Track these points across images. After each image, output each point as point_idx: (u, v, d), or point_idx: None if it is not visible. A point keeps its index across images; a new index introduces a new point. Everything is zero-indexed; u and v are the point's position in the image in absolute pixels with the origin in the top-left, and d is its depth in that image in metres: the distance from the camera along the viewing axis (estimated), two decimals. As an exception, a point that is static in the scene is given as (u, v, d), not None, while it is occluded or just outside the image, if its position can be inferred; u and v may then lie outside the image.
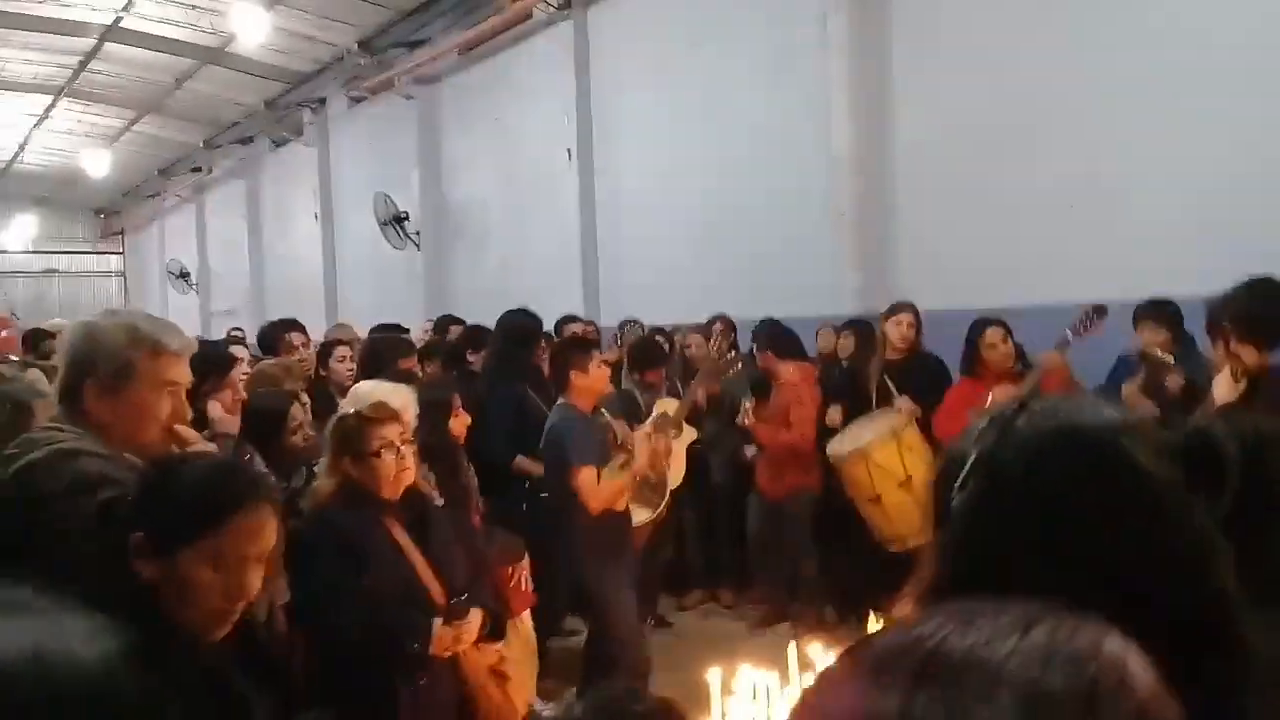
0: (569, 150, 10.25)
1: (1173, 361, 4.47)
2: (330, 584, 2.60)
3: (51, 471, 1.87)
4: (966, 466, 0.90)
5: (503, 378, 4.90)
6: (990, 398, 4.80)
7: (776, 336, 6.03)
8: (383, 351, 4.39)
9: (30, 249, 24.37)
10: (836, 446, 5.29)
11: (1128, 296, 4.88)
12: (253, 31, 11.45)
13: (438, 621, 2.76)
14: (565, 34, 10.29)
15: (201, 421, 2.90)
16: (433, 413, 3.62)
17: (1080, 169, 6.10)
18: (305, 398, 3.41)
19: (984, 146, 6.66)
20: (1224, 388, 3.46)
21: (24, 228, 23.81)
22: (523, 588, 3.82)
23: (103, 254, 26.27)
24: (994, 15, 6.56)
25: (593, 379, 4.41)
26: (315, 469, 2.92)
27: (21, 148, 20.50)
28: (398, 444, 2.72)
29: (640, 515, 4.77)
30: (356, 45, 13.07)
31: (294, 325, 4.57)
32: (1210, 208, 5.46)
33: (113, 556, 1.64)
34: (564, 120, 10.26)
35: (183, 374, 2.10)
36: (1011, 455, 0.89)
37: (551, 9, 10.29)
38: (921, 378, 5.37)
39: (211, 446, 2.12)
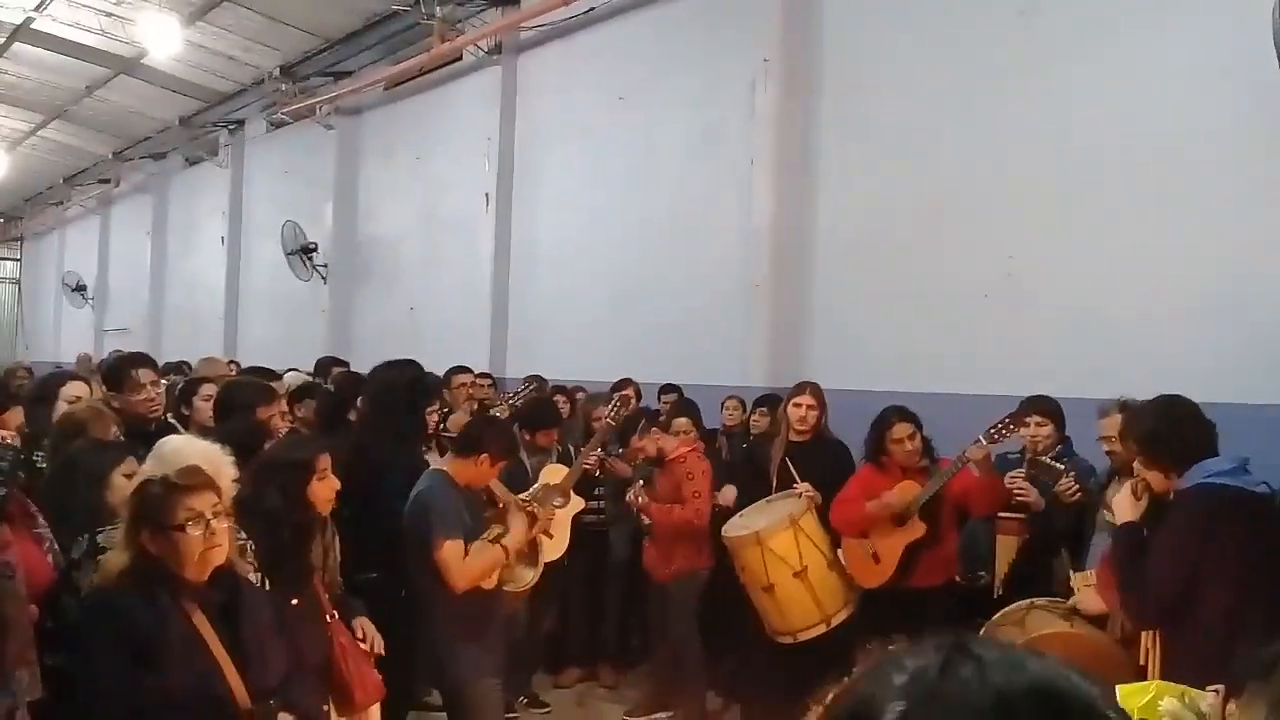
0: (487, 195, 9.94)
1: (1061, 468, 4.34)
2: (107, 681, 2.20)
3: None
4: None
5: (389, 437, 4.50)
6: (893, 491, 4.62)
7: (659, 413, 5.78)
8: (239, 398, 3.98)
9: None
10: (732, 529, 5.04)
11: (1035, 392, 4.73)
12: (163, 44, 10.95)
13: (237, 727, 2.36)
14: (493, 78, 10.04)
15: None
16: (284, 475, 3.20)
17: (999, 260, 6.00)
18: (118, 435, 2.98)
19: (903, 230, 6.56)
20: (1125, 505, 3.30)
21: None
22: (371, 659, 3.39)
23: (-1, 259, 25.08)
24: (921, 101, 6.49)
25: (487, 473, 4.08)
26: (100, 538, 2.49)
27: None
28: (209, 516, 2.34)
29: (508, 587, 4.42)
30: (279, 70, 12.64)
31: (144, 360, 4.14)
32: (1121, 308, 5.39)
33: None
34: (484, 165, 9.97)
35: None
36: None
37: (481, 52, 10.06)
38: (824, 462, 5.15)
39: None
